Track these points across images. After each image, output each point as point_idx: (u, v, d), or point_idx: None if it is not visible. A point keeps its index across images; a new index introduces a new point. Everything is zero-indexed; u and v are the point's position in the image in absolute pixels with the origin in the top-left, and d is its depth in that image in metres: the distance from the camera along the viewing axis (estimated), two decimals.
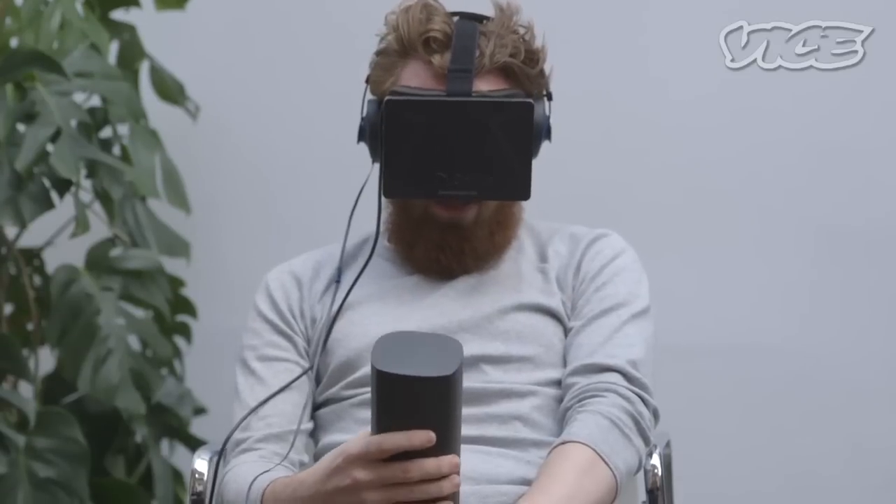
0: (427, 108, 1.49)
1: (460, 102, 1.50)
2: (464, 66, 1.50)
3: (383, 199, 1.58)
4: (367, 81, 1.59)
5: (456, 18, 1.55)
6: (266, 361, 1.58)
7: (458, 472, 1.26)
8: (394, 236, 1.62)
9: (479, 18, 1.55)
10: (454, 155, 1.49)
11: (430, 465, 1.24)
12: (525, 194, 1.52)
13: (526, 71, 1.54)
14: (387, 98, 1.50)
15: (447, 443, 1.24)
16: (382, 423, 1.24)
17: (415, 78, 1.53)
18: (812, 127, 2.27)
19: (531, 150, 1.51)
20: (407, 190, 1.52)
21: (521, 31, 1.56)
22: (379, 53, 1.58)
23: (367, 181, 1.58)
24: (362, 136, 1.56)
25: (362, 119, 1.56)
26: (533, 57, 1.55)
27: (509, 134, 1.49)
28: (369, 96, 1.58)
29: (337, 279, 1.59)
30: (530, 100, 1.52)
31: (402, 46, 1.54)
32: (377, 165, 1.55)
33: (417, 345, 1.23)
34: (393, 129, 1.49)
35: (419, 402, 1.21)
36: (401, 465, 1.24)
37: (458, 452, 1.26)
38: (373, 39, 2.19)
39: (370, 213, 1.58)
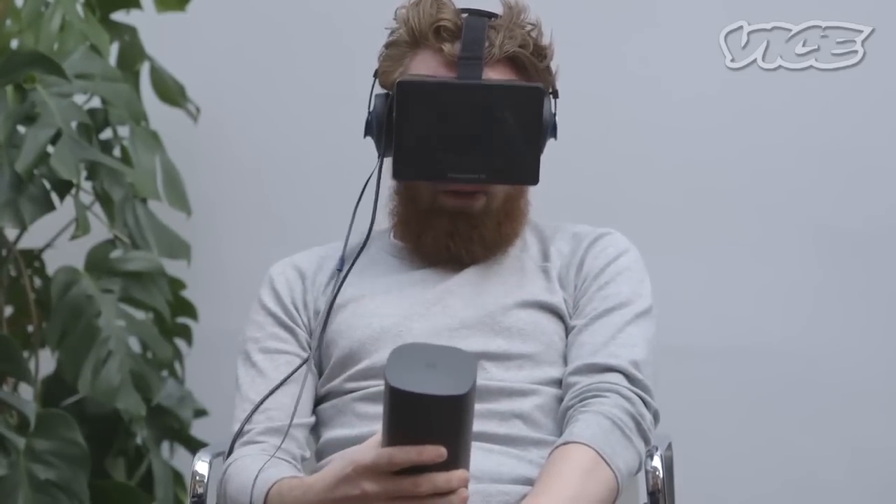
0: (438, 91, 1.50)
1: (471, 85, 1.51)
2: (474, 54, 1.52)
3: (391, 192, 1.60)
4: (375, 75, 1.60)
5: (465, 15, 1.57)
6: (268, 354, 1.58)
7: (466, 487, 1.25)
8: (400, 230, 1.61)
9: (488, 15, 1.57)
10: (464, 138, 1.50)
11: (441, 479, 1.23)
12: (533, 179, 1.53)
13: (535, 63, 1.56)
14: (399, 80, 1.50)
15: (458, 458, 1.24)
16: (394, 437, 1.23)
17: (424, 66, 1.54)
18: (812, 127, 2.27)
19: (540, 135, 1.52)
20: (416, 173, 1.52)
21: (529, 27, 1.57)
22: (388, 45, 1.59)
23: (371, 175, 1.58)
24: (369, 130, 1.57)
25: (369, 113, 1.57)
26: (541, 52, 1.57)
27: (519, 118, 1.50)
28: (377, 90, 1.59)
29: (339, 268, 1.59)
30: (540, 84, 1.53)
31: (412, 37, 1.56)
32: (383, 160, 1.57)
33: (432, 359, 1.22)
34: (403, 112, 1.49)
35: (432, 419, 1.21)
36: (411, 479, 1.24)
37: (467, 467, 1.26)
38: (370, 43, 2.19)
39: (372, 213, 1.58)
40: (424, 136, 1.50)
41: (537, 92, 1.51)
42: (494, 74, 1.53)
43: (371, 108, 1.57)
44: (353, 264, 1.57)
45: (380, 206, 1.58)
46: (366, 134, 1.58)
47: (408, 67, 1.55)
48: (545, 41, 1.58)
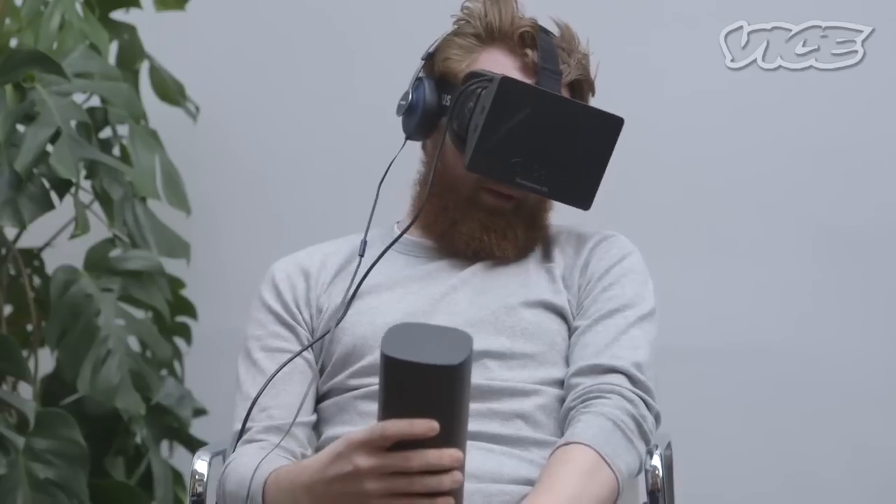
0: (535, 97, 1.52)
1: (565, 100, 1.55)
2: (556, 68, 1.56)
3: (416, 178, 1.63)
4: (426, 59, 1.61)
5: None
6: (269, 352, 1.59)
7: (460, 468, 1.25)
8: (430, 216, 1.61)
9: (549, 34, 1.60)
10: (541, 148, 1.53)
11: (432, 455, 1.23)
12: (587, 204, 1.57)
13: (592, 91, 1.62)
14: (503, 76, 1.52)
15: (451, 436, 1.23)
16: (387, 410, 1.24)
17: (496, 65, 1.56)
18: (812, 127, 2.27)
19: (607, 164, 1.55)
20: (489, 169, 1.54)
21: (580, 56, 1.61)
22: (457, 35, 1.60)
23: (396, 156, 1.60)
24: (411, 111, 1.59)
25: (413, 93, 1.59)
26: (592, 85, 1.63)
27: (594, 143, 1.54)
28: (422, 73, 1.61)
29: (361, 252, 1.59)
30: (622, 117, 1.55)
31: (489, 33, 1.59)
32: (410, 143, 1.60)
33: (428, 335, 1.23)
34: (498, 108, 1.51)
35: (424, 389, 1.21)
36: (402, 454, 1.23)
37: (463, 449, 1.25)
38: (370, 43, 2.19)
39: (378, 209, 1.60)
40: (507, 137, 1.52)
41: (619, 122, 1.54)
42: (563, 93, 1.57)
43: (413, 89, 1.59)
44: (382, 254, 1.58)
45: (396, 193, 1.60)
46: (400, 113, 1.60)
47: (475, 61, 1.57)
48: (592, 71, 1.63)
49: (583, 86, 1.61)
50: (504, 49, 1.58)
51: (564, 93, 1.58)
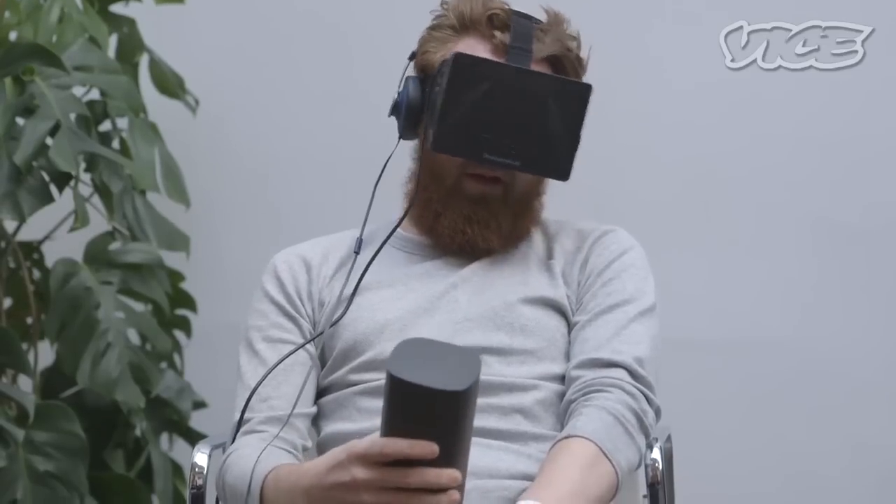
0: (493, 70, 1.51)
1: (524, 71, 1.53)
2: (524, 46, 1.55)
3: (409, 174, 1.62)
4: (412, 57, 1.62)
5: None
6: (271, 343, 1.59)
7: (458, 489, 1.25)
8: (417, 211, 1.62)
9: (531, 18, 1.59)
10: (507, 122, 1.52)
11: (430, 475, 1.23)
12: (564, 175, 1.55)
13: (575, 69, 1.60)
14: (456, 52, 1.52)
15: (451, 457, 1.23)
16: (390, 428, 1.24)
17: (470, 52, 1.56)
18: (812, 127, 2.27)
19: (580, 132, 1.54)
20: (455, 147, 1.53)
21: (571, 37, 1.60)
22: (434, 28, 1.61)
23: (391, 156, 1.60)
24: (396, 110, 1.59)
25: (399, 93, 1.59)
26: (580, 63, 1.61)
27: (563, 112, 1.52)
28: (409, 72, 1.61)
29: (356, 249, 1.60)
30: (590, 83, 1.54)
31: (461, 22, 1.59)
32: (403, 142, 1.60)
33: (437, 355, 1.22)
34: (455, 85, 1.50)
35: (428, 412, 1.21)
36: (401, 471, 1.24)
37: (463, 470, 1.25)
38: (368, 37, 2.18)
39: (378, 205, 1.60)
40: (470, 113, 1.51)
41: (586, 89, 1.53)
42: (539, 69, 1.56)
43: (401, 89, 1.59)
44: (379, 250, 1.58)
45: (396, 191, 1.60)
46: (391, 114, 1.60)
47: (450, 51, 1.57)
48: (583, 54, 1.61)
49: (564, 62, 1.59)
50: (477, 36, 1.58)
51: (541, 69, 1.56)
